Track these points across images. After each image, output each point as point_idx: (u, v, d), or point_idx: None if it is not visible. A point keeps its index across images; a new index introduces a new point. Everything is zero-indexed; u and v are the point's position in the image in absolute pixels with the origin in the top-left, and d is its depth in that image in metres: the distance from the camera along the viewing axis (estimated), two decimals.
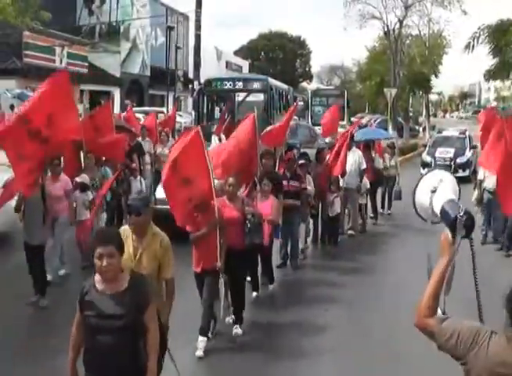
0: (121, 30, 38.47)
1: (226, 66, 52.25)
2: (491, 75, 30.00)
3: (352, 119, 33.16)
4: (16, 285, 8.69)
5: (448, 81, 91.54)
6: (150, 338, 4.05)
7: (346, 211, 13.26)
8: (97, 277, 4.01)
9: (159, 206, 9.78)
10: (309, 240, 11.98)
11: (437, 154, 23.36)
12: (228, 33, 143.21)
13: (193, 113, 24.41)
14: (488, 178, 12.05)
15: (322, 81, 77.93)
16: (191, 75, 30.59)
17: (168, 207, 7.02)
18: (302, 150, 14.04)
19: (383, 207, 15.75)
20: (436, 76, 42.27)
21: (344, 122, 29.77)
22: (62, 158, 9.85)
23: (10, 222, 9.76)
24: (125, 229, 5.25)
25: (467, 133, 24.99)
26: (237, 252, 7.34)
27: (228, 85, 23.58)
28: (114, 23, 37.79)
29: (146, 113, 23.29)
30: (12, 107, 18.70)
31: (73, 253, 9.79)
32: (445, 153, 23.37)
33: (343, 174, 12.31)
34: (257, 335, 7.72)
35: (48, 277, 9.09)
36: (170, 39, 35.66)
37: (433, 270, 3.05)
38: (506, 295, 2.79)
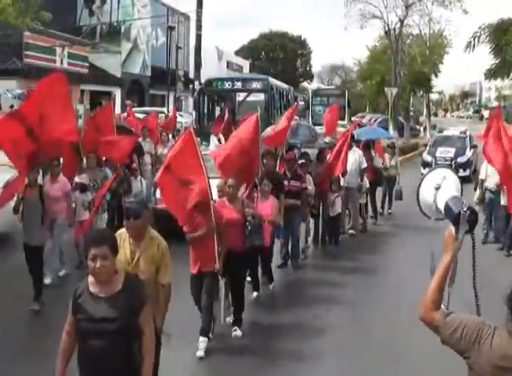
0: (122, 30, 38.46)
1: (227, 66, 52.22)
2: (491, 74, 29.96)
3: (353, 119, 33.17)
4: (16, 285, 8.68)
5: (449, 80, 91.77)
6: (145, 341, 3.95)
7: (347, 210, 13.25)
8: (91, 279, 3.93)
9: (159, 206, 9.79)
10: (310, 239, 11.98)
11: (437, 154, 23.35)
12: (228, 33, 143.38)
13: (194, 113, 24.40)
14: (490, 178, 12.04)
15: (322, 80, 77.90)
16: (192, 75, 30.59)
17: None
18: (303, 150, 14.03)
19: (383, 207, 15.73)
20: (436, 75, 42.27)
21: (345, 122, 29.79)
22: (61, 159, 9.82)
23: (10, 222, 9.75)
24: (122, 233, 5.18)
25: (468, 133, 24.99)
26: (237, 254, 7.30)
27: (228, 85, 23.61)
28: (115, 24, 37.78)
29: (147, 113, 23.29)
30: (12, 108, 18.69)
31: (72, 253, 9.79)
32: (445, 152, 23.35)
33: (343, 173, 12.31)
34: (257, 336, 7.69)
35: (48, 280, 9.09)
36: (171, 39, 35.71)
37: (436, 269, 3.12)
38: (508, 294, 2.85)
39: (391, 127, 30.14)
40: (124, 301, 3.84)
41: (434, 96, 67.40)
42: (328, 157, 12.29)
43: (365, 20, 35.58)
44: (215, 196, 8.06)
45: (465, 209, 3.05)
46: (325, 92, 39.52)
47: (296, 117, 21.44)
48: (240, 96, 24.80)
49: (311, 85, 62.35)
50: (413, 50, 39.62)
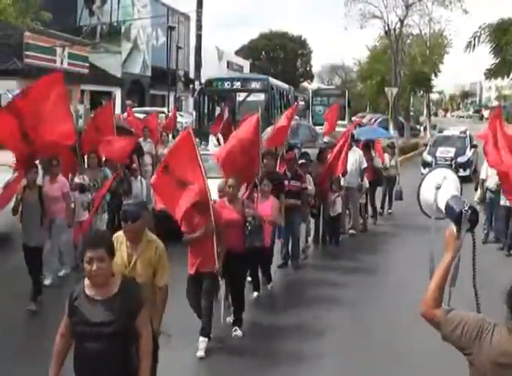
0: (122, 30, 38.45)
1: (227, 66, 52.21)
2: (492, 74, 29.94)
3: (353, 118, 33.18)
4: (16, 285, 8.69)
5: (449, 80, 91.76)
6: (143, 344, 3.90)
7: (347, 210, 13.25)
8: (87, 282, 3.87)
9: (159, 206, 9.77)
10: (310, 239, 11.97)
11: (437, 154, 23.35)
12: (228, 33, 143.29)
13: (194, 113, 24.39)
14: (491, 178, 12.05)
15: (323, 80, 77.88)
16: (192, 75, 30.57)
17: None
18: (303, 150, 14.02)
19: (382, 207, 15.72)
20: (436, 75, 42.26)
21: (345, 122, 29.79)
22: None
23: (10, 223, 9.75)
24: (119, 236, 5.12)
25: (468, 132, 24.99)
26: (237, 254, 7.27)
27: (229, 85, 23.63)
28: (115, 24, 37.76)
29: (147, 113, 23.30)
30: None
31: (72, 253, 9.78)
32: (445, 152, 23.35)
33: (344, 173, 12.31)
34: (257, 336, 7.69)
35: (48, 280, 9.09)
36: (171, 39, 35.71)
37: (435, 270, 3.16)
38: (507, 291, 2.91)
39: (391, 127, 30.14)
40: (121, 304, 3.79)
41: (434, 96, 67.46)
42: (328, 156, 12.29)
43: (366, 20, 35.64)
44: (216, 196, 8.06)
45: (466, 208, 3.10)
46: (325, 92, 39.52)
47: (296, 117, 21.45)
48: (240, 96, 24.81)
49: (312, 85, 62.36)
50: (413, 50, 39.64)
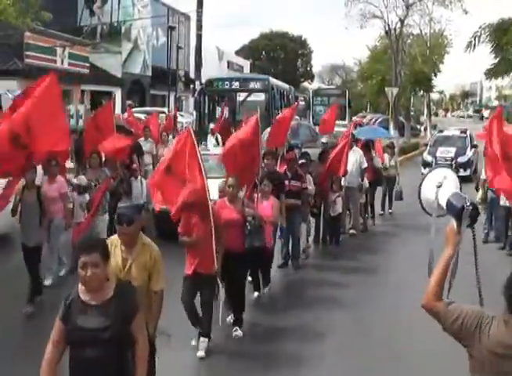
0: (122, 30, 38.45)
1: (228, 66, 52.20)
2: (492, 74, 29.96)
3: (354, 118, 33.18)
4: (16, 285, 8.68)
5: (449, 80, 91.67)
6: (139, 349, 3.83)
7: (347, 210, 13.24)
8: (81, 287, 3.78)
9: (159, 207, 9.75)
10: (311, 239, 11.97)
11: (438, 154, 23.33)
12: (228, 33, 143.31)
13: (194, 113, 24.40)
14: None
15: (323, 80, 77.87)
16: (192, 75, 30.50)
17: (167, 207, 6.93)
18: (303, 150, 14.03)
19: (383, 207, 15.70)
20: (435, 75, 42.23)
21: (346, 122, 29.80)
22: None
23: (10, 223, 9.75)
24: (113, 239, 5.06)
25: (468, 132, 24.97)
26: (236, 254, 7.25)
27: (229, 85, 23.65)
28: (115, 24, 37.76)
29: (148, 113, 23.30)
30: None
31: (70, 254, 9.76)
32: (446, 152, 23.34)
33: (344, 173, 12.31)
34: (258, 336, 7.69)
35: (48, 281, 9.09)
36: (171, 39, 35.66)
37: (433, 268, 3.30)
38: (505, 283, 3.04)
39: (391, 127, 30.12)
40: (116, 308, 3.72)
41: (434, 96, 67.43)
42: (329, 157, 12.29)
43: (366, 20, 35.53)
44: (216, 196, 8.04)
45: (468, 204, 3.24)
46: (325, 92, 39.50)
47: (296, 117, 21.45)
48: (241, 96, 24.84)
49: (312, 85, 62.33)
50: (414, 50, 39.58)
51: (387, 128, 26.40)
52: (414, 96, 48.55)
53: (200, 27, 26.03)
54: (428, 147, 24.87)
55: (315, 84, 63.49)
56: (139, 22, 38.70)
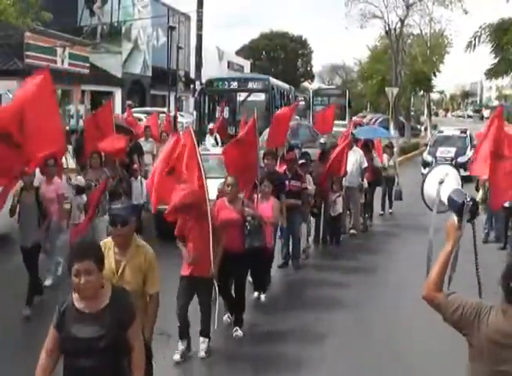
0: (123, 30, 38.43)
1: (228, 66, 52.18)
2: (492, 73, 29.94)
3: (354, 118, 33.18)
4: (16, 285, 8.67)
5: (449, 80, 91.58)
6: (135, 357, 3.70)
7: (348, 210, 13.24)
8: (75, 294, 3.64)
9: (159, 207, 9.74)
10: (311, 239, 11.97)
11: (438, 154, 23.33)
12: (228, 33, 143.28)
13: (195, 113, 24.41)
14: None
15: (323, 80, 77.84)
16: (192, 75, 30.50)
17: (166, 207, 6.90)
18: (303, 150, 14.04)
19: (383, 208, 15.68)
20: (435, 75, 42.23)
21: (346, 122, 29.79)
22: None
23: (10, 223, 9.73)
24: (106, 242, 4.95)
25: (468, 132, 24.96)
26: (236, 255, 7.22)
27: (229, 85, 23.68)
28: (116, 24, 37.74)
29: (148, 113, 23.30)
30: None
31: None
32: (446, 152, 23.33)
33: (344, 173, 12.31)
34: (258, 336, 7.69)
35: (49, 281, 9.09)
36: (171, 39, 35.64)
37: (432, 264, 3.44)
38: (502, 274, 3.21)
39: (391, 127, 30.14)
40: (112, 316, 3.59)
41: (435, 96, 67.42)
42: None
43: (366, 20, 35.54)
44: (214, 196, 7.98)
45: (468, 199, 3.39)
46: (326, 92, 39.47)
47: (296, 117, 21.45)
48: (241, 96, 24.84)
49: (312, 85, 62.28)
50: (414, 50, 39.58)
51: (387, 128, 26.41)
52: (414, 96, 48.54)
53: (200, 27, 26.04)
54: (428, 147, 24.88)
55: (315, 84, 63.46)
56: (139, 22, 38.69)
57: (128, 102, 28.00)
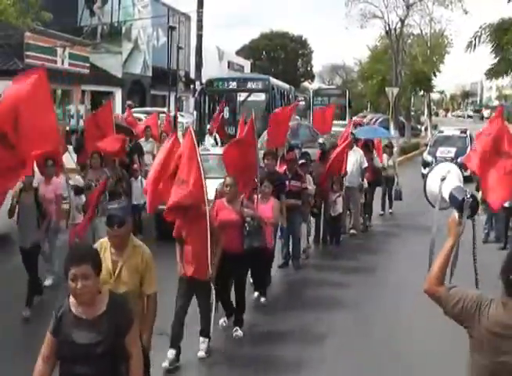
0: (123, 30, 38.43)
1: (228, 66, 52.18)
2: (492, 74, 29.92)
3: (354, 118, 33.17)
4: (16, 285, 8.67)
5: (450, 80, 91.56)
6: (133, 364, 3.62)
7: (348, 210, 13.24)
8: (72, 300, 3.57)
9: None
10: (311, 239, 11.97)
11: (438, 154, 23.32)
12: (229, 33, 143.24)
13: (195, 113, 24.40)
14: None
15: (323, 80, 77.84)
16: (193, 75, 30.50)
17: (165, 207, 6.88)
18: (303, 150, 14.04)
19: (383, 208, 15.67)
20: (435, 75, 42.23)
21: (346, 121, 29.79)
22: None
23: (10, 223, 9.73)
24: (103, 242, 4.91)
25: (468, 132, 24.96)
26: (235, 256, 7.19)
27: (229, 85, 23.66)
28: (116, 24, 37.75)
29: (148, 113, 23.29)
30: None
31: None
32: (446, 152, 23.32)
33: (344, 173, 12.32)
34: (258, 337, 7.69)
35: (49, 281, 9.08)
36: (171, 39, 35.65)
37: (433, 259, 3.54)
38: (501, 267, 3.26)
39: (392, 127, 30.14)
40: (109, 323, 3.53)
41: (435, 96, 67.42)
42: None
43: (366, 20, 35.56)
44: (212, 196, 7.93)
45: (468, 196, 3.51)
46: (326, 92, 39.48)
47: (297, 117, 21.45)
48: (241, 96, 24.82)
49: (313, 85, 62.29)
50: (414, 50, 39.60)
51: (387, 128, 26.40)
52: (414, 96, 48.54)
53: (200, 27, 26.04)
54: (428, 147, 24.88)
55: (315, 84, 63.46)
56: (140, 22, 38.70)
57: (128, 102, 27.99)
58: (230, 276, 7.51)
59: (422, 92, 46.69)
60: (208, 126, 19.88)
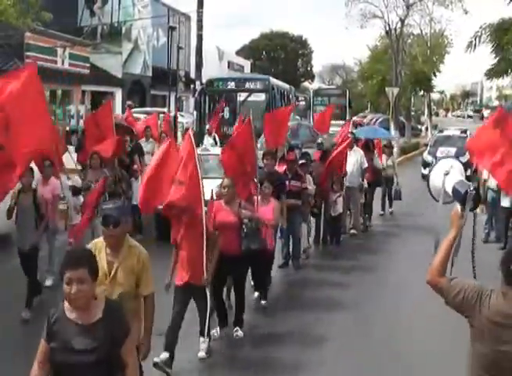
0: (123, 30, 38.44)
1: (228, 66, 52.18)
2: (492, 74, 29.92)
3: (354, 118, 33.18)
4: (16, 286, 8.66)
5: (450, 80, 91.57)
6: (129, 374, 3.53)
7: (348, 210, 13.23)
8: (67, 304, 3.48)
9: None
10: (311, 239, 11.97)
11: (438, 154, 23.26)
12: (229, 33, 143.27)
13: (195, 113, 24.41)
14: (492, 178, 12.02)
15: (323, 80, 77.83)
16: (193, 75, 30.54)
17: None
18: (303, 150, 14.04)
19: (383, 208, 15.66)
20: (435, 75, 42.23)
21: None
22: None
23: (10, 223, 9.73)
24: (97, 242, 4.85)
25: (468, 132, 24.96)
26: (233, 258, 7.16)
27: (229, 85, 23.68)
28: (116, 24, 37.75)
29: (148, 113, 23.29)
30: None
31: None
32: (446, 152, 23.29)
33: (344, 173, 12.32)
34: (258, 336, 7.69)
35: (49, 281, 9.08)
36: (171, 39, 35.63)
37: (440, 242, 3.65)
38: (501, 258, 3.46)
39: (392, 127, 30.15)
40: (105, 330, 3.44)
41: (435, 96, 67.41)
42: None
43: (366, 20, 35.52)
44: (208, 196, 7.88)
45: (471, 189, 3.61)
46: (326, 92, 39.51)
47: (297, 117, 21.45)
48: (241, 96, 24.83)
49: (313, 85, 62.28)
50: (414, 50, 39.60)
51: (387, 128, 26.41)
52: (415, 96, 48.54)
53: (200, 27, 26.06)
54: (428, 147, 24.86)
55: (315, 84, 63.45)
56: (140, 22, 38.72)
57: (128, 102, 27.99)
58: (226, 279, 7.48)
59: (422, 92, 46.69)
60: (207, 126, 19.89)
